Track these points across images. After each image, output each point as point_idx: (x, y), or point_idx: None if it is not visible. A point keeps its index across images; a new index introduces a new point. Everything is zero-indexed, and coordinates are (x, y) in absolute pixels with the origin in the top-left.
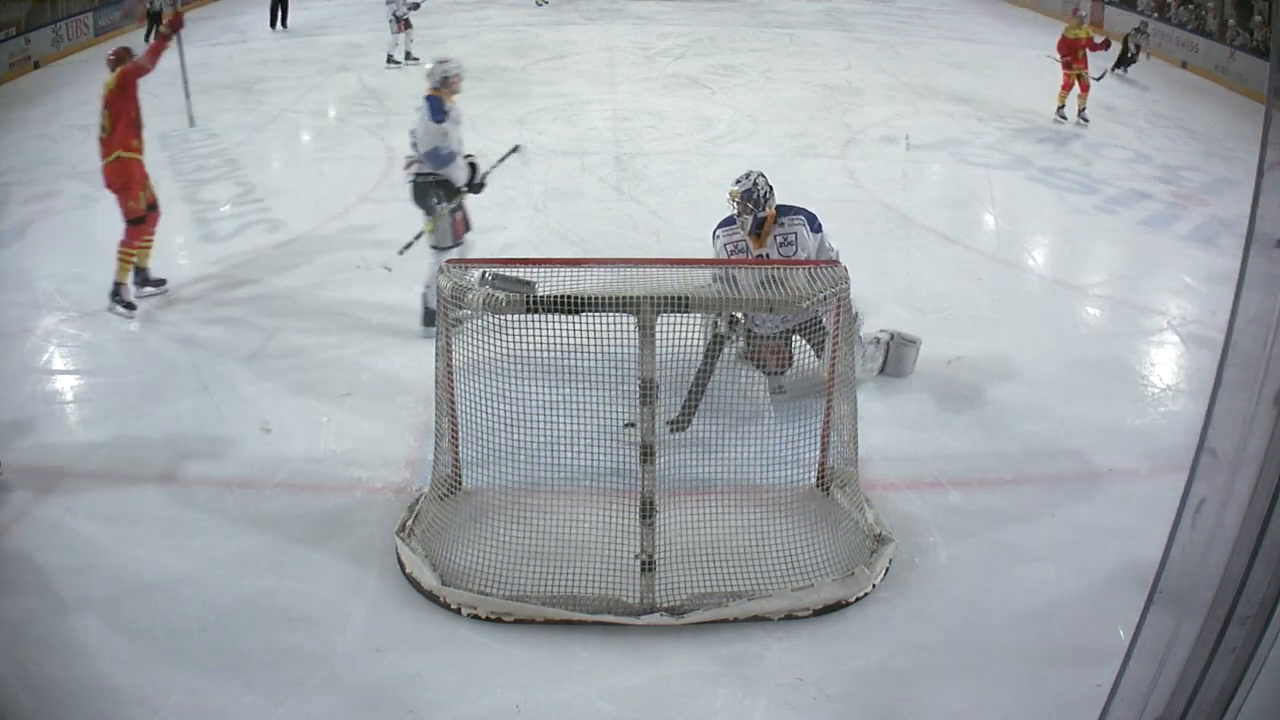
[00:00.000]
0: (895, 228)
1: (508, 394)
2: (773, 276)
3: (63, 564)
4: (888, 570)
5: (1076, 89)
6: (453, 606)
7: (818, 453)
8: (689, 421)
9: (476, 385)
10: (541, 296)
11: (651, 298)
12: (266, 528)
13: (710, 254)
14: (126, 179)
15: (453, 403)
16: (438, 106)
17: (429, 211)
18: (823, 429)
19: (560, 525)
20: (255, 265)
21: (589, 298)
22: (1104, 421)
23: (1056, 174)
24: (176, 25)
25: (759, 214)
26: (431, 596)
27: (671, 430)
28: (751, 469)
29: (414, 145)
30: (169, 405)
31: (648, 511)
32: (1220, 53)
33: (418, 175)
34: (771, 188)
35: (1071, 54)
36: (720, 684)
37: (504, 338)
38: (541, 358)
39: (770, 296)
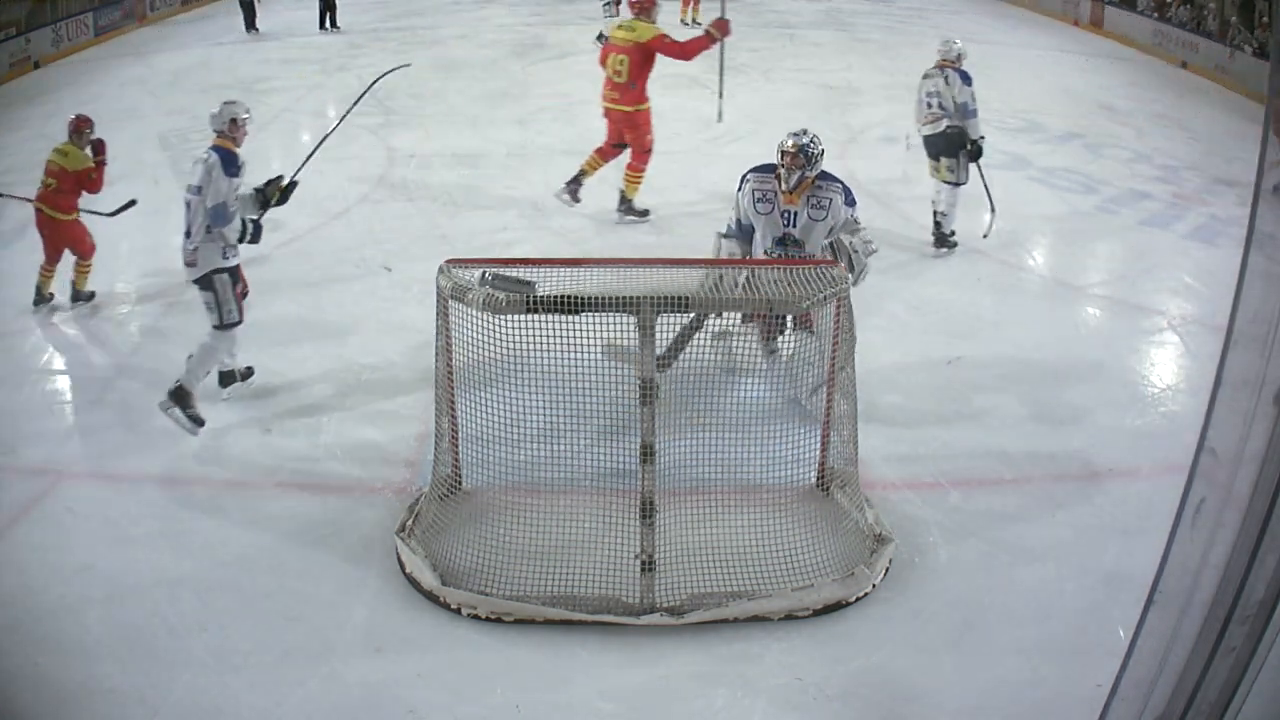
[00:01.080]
0: (895, 228)
1: (508, 394)
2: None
3: (63, 564)
4: (888, 570)
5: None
6: (453, 606)
7: (818, 453)
8: (674, 360)
9: (476, 385)
10: (541, 296)
11: (651, 298)
12: (266, 528)
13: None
14: (639, 124)
15: (453, 403)
16: (966, 75)
17: (952, 155)
18: (823, 429)
19: (560, 525)
20: (255, 265)
21: (589, 298)
22: (1104, 421)
23: (1056, 174)
24: (725, 31)
25: (806, 172)
26: (431, 596)
27: (659, 367)
28: (751, 469)
29: (939, 105)
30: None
31: (648, 511)
32: (1220, 53)
33: (948, 127)
34: (823, 151)
35: None
36: (720, 684)
37: (504, 338)
38: (541, 358)
39: (770, 296)
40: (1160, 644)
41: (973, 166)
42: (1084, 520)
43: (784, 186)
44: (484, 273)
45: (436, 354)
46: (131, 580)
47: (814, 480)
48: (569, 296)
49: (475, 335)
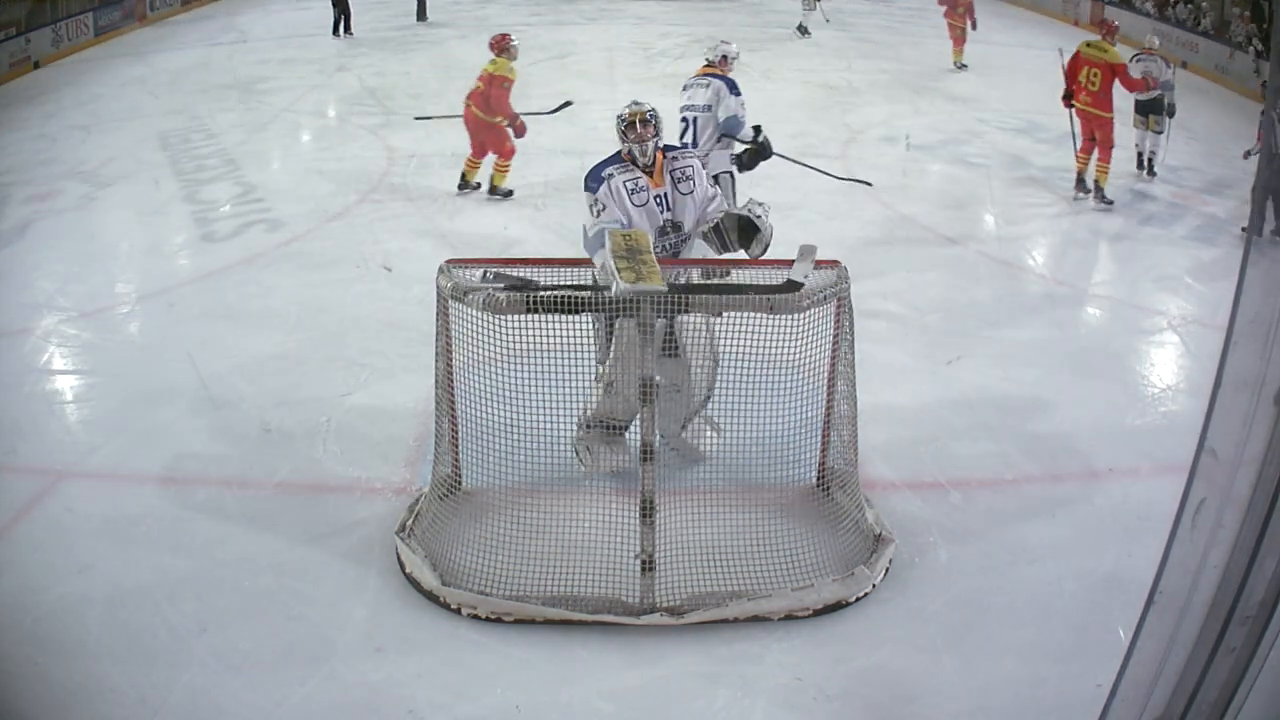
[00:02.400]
0: (895, 228)
1: (508, 394)
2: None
3: (63, 564)
4: (888, 570)
5: None
6: (453, 606)
7: (818, 452)
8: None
9: (476, 385)
10: (541, 296)
11: (652, 297)
12: (266, 528)
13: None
14: (1105, 126)
15: (453, 403)
16: (1167, 60)
17: (1158, 114)
18: (822, 428)
19: (560, 525)
20: (255, 265)
21: (589, 298)
22: (1104, 421)
23: (1056, 174)
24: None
25: (659, 140)
26: (431, 596)
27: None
28: (751, 469)
29: (1153, 77)
30: (169, 405)
31: (648, 511)
32: (1220, 53)
33: (1159, 94)
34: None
35: None
36: (720, 684)
37: (504, 337)
38: (542, 357)
39: (770, 297)
40: (1160, 644)
41: (1166, 120)
42: (1084, 520)
43: (643, 163)
44: (484, 273)
45: (436, 354)
46: (131, 580)
47: (814, 480)
48: (569, 296)
49: (475, 335)
